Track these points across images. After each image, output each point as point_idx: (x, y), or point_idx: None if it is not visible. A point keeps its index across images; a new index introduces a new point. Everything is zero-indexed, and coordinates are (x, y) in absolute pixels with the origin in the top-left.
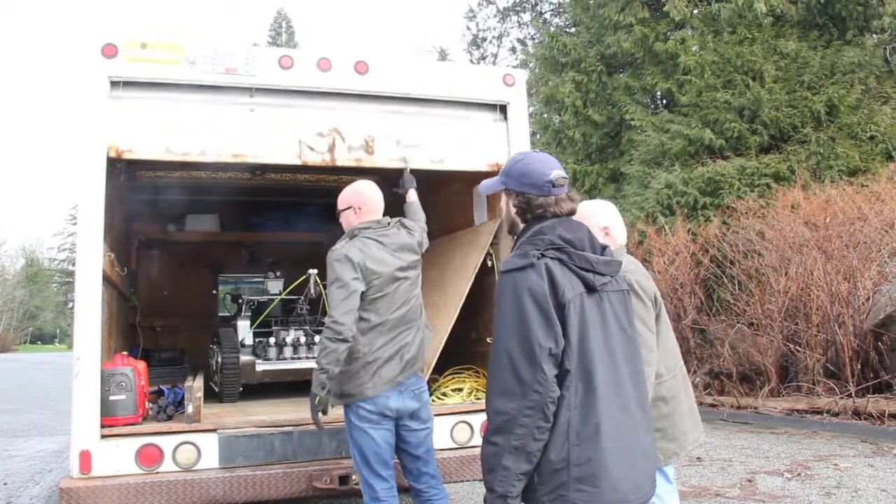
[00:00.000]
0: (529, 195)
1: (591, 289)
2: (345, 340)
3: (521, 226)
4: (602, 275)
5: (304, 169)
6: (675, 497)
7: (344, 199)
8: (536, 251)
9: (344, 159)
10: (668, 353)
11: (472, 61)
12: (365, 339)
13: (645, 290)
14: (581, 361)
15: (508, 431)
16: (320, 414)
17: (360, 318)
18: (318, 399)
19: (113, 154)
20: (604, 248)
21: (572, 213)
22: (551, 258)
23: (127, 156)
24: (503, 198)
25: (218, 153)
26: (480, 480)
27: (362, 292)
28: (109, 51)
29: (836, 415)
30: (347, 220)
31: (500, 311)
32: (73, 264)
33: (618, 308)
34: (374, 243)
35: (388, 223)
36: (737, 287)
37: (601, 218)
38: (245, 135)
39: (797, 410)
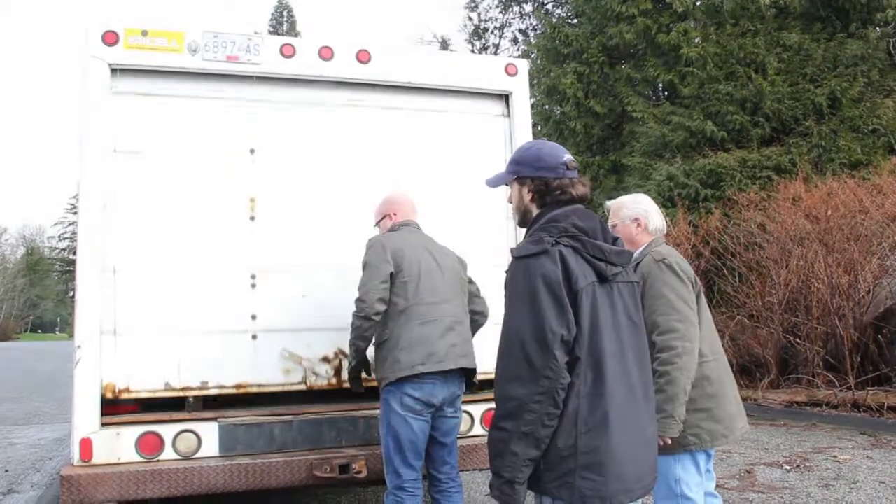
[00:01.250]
0: (546, 178)
1: (603, 278)
2: (367, 318)
3: (535, 212)
4: (614, 265)
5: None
6: (700, 494)
7: (379, 210)
8: (550, 238)
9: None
10: (712, 335)
11: (473, 52)
12: (391, 324)
13: (683, 269)
14: (591, 350)
15: (518, 417)
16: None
17: (391, 302)
18: (350, 370)
19: (110, 395)
20: (615, 238)
21: (584, 197)
22: (565, 245)
23: (125, 396)
24: (514, 188)
25: (220, 386)
26: (480, 470)
27: (393, 275)
28: (110, 38)
29: (836, 407)
30: (385, 229)
31: (511, 296)
32: (74, 253)
33: (627, 299)
34: (410, 235)
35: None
36: (737, 279)
37: (632, 210)
38: (249, 364)
39: (797, 402)
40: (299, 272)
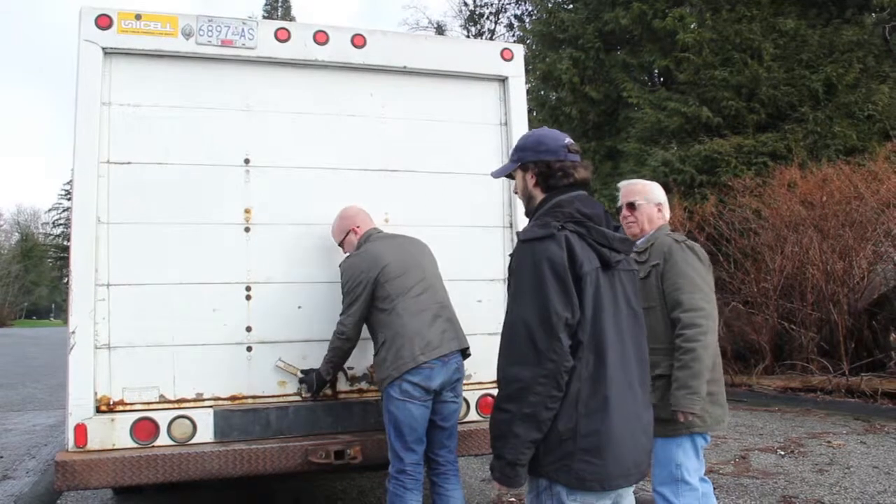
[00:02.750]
0: (548, 160)
1: (606, 265)
2: (347, 339)
3: (540, 198)
4: (617, 252)
5: None
6: (697, 479)
7: (338, 229)
8: (556, 222)
9: (346, 389)
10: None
11: (469, 37)
12: (385, 327)
13: (703, 254)
14: (593, 334)
15: (521, 399)
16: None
17: (377, 308)
18: (321, 384)
19: (104, 409)
20: (617, 226)
21: (587, 181)
22: (570, 231)
23: (119, 409)
24: (518, 175)
25: (215, 398)
26: (475, 455)
27: (376, 279)
28: (104, 21)
29: (830, 393)
30: (352, 244)
31: (517, 279)
32: (69, 240)
33: (627, 287)
34: (379, 241)
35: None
36: (732, 265)
37: (658, 194)
38: (244, 375)
39: (791, 388)
40: (295, 283)
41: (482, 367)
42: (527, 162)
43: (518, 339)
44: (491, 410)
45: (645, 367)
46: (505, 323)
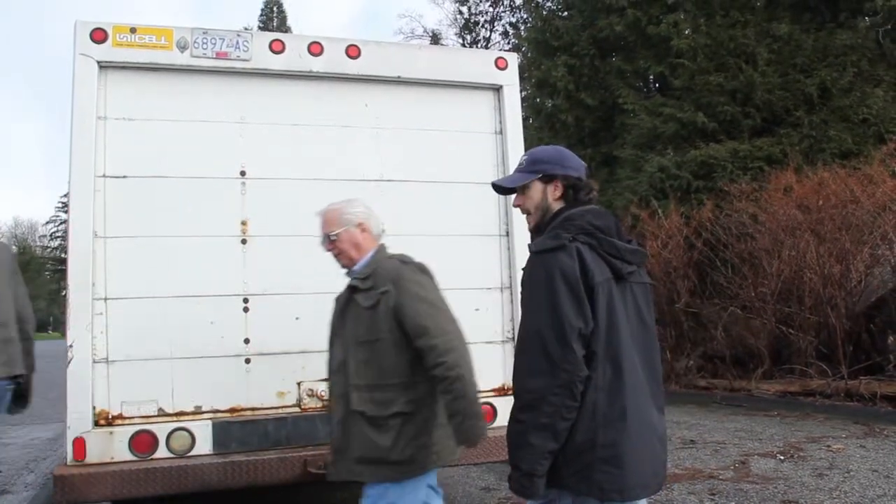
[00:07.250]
0: (578, 176)
1: (618, 276)
2: None
3: (555, 210)
4: (629, 263)
5: None
6: None
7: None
8: (567, 234)
9: None
10: None
11: (464, 45)
12: None
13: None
14: (608, 345)
15: (536, 409)
16: None
17: None
18: None
19: (103, 422)
20: (630, 238)
21: (595, 198)
22: (582, 242)
23: (118, 423)
24: (534, 187)
25: (214, 410)
26: (475, 465)
27: None
28: (98, 35)
29: (829, 396)
30: None
31: (529, 290)
32: (66, 252)
33: (640, 299)
34: None
35: None
36: (730, 270)
37: (354, 213)
38: (243, 387)
39: (790, 392)
40: (292, 294)
41: (479, 376)
42: (551, 174)
43: (532, 350)
44: (490, 418)
45: (657, 379)
46: (518, 334)
